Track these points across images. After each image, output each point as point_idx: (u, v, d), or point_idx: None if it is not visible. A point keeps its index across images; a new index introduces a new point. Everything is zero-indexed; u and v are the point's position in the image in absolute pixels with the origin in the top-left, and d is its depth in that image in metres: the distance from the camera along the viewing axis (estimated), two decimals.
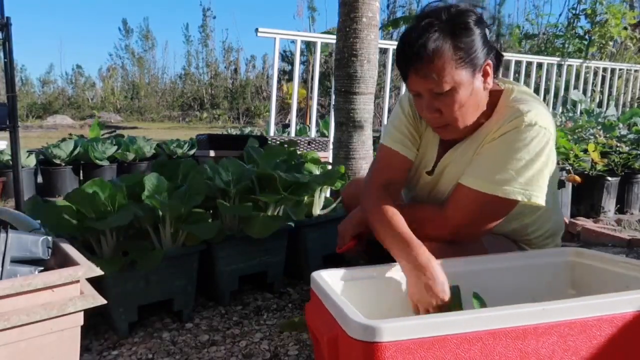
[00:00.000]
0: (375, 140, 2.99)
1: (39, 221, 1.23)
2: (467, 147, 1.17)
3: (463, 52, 1.03)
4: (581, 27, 7.33)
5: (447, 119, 1.10)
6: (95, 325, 1.57)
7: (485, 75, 1.09)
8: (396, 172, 1.26)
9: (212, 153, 2.85)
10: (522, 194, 1.05)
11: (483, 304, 0.97)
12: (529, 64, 5.76)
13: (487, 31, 1.08)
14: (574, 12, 7.38)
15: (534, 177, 1.05)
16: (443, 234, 1.13)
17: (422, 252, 1.01)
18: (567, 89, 6.08)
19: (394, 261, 1.07)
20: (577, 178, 2.81)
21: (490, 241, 1.21)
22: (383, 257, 1.18)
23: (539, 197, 1.06)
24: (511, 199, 1.06)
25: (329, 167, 2.31)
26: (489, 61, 1.08)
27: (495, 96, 1.14)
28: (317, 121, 4.77)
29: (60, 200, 1.48)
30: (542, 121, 1.06)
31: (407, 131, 1.26)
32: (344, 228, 1.37)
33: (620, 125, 4.17)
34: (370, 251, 1.34)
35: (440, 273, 0.98)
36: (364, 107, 2.56)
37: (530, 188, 1.05)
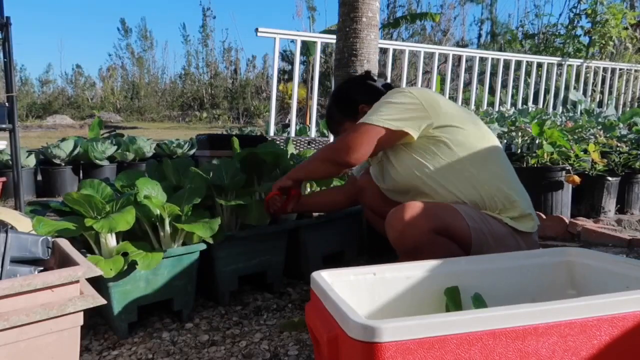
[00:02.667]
0: None
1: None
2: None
3: (340, 114, 1.68)
4: (581, 27, 7.33)
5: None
6: (95, 325, 1.57)
7: (363, 113, 1.50)
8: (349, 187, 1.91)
9: (210, 153, 2.85)
10: (382, 122, 1.38)
11: (483, 306, 0.97)
12: (529, 64, 5.77)
13: (366, 81, 1.69)
14: (574, 11, 7.38)
15: (387, 110, 1.40)
16: (334, 155, 1.49)
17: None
18: (567, 88, 6.08)
19: (395, 259, 1.08)
20: (576, 179, 2.81)
21: (461, 206, 1.37)
22: (383, 254, 1.21)
23: (395, 126, 1.38)
24: (377, 125, 1.38)
25: None
26: (364, 105, 1.59)
27: None
28: (317, 121, 4.77)
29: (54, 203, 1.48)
30: (405, 87, 1.45)
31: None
32: (277, 181, 1.68)
33: (621, 125, 4.16)
34: (374, 246, 1.42)
35: (286, 180, 1.62)
36: None
37: (384, 117, 1.38)
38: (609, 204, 3.12)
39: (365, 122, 1.40)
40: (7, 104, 2.48)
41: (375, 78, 1.73)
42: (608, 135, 3.53)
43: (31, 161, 4.30)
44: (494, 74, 6.14)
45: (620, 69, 6.52)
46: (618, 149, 3.28)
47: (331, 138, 3.07)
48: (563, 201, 2.93)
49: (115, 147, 4.70)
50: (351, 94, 1.66)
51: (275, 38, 3.80)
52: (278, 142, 2.94)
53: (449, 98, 5.63)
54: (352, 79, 1.82)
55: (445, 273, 1.09)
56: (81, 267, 1.03)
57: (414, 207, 1.29)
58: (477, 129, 1.45)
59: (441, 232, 1.28)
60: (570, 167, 2.94)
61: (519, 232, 1.37)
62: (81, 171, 4.60)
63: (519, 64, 5.52)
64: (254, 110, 16.48)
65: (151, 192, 1.55)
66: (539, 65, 5.71)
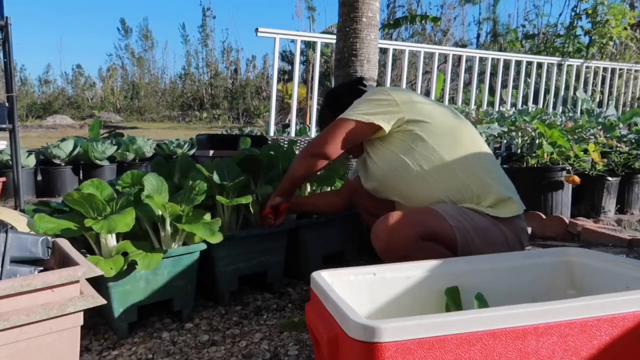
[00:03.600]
0: None
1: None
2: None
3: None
4: (581, 27, 7.32)
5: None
6: (95, 325, 1.57)
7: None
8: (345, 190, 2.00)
9: (211, 153, 2.85)
10: (355, 115, 1.48)
11: (485, 306, 0.98)
12: (529, 63, 5.76)
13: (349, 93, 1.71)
14: (575, 11, 7.38)
15: (361, 106, 1.50)
16: (312, 150, 1.58)
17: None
18: (567, 88, 6.08)
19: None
20: (576, 179, 2.81)
21: (442, 207, 1.40)
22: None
23: (366, 119, 1.47)
24: (350, 118, 1.49)
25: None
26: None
27: None
28: (317, 121, 4.76)
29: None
30: (383, 88, 1.54)
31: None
32: (269, 200, 1.77)
33: (621, 125, 4.16)
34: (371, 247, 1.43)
35: (274, 197, 1.74)
36: None
37: (357, 112, 1.48)
38: (609, 204, 3.12)
39: (341, 116, 1.52)
40: (7, 104, 2.48)
41: (367, 84, 1.86)
42: (608, 135, 3.53)
43: (31, 161, 4.30)
44: (494, 74, 6.14)
45: (620, 69, 6.52)
46: (618, 149, 3.28)
47: None
48: (563, 201, 2.94)
49: (115, 147, 4.70)
50: (342, 97, 1.73)
51: (275, 38, 3.80)
52: (280, 142, 2.95)
53: (449, 98, 5.63)
54: (345, 83, 1.95)
55: (445, 273, 1.09)
56: (81, 267, 1.03)
57: (396, 216, 1.32)
58: (453, 120, 1.52)
59: (426, 237, 1.30)
60: (570, 167, 2.94)
61: (502, 219, 1.38)
62: (81, 171, 4.60)
63: (519, 64, 5.52)
64: (253, 110, 16.47)
65: (156, 190, 1.55)
66: (539, 65, 5.71)
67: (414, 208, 1.45)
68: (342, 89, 1.85)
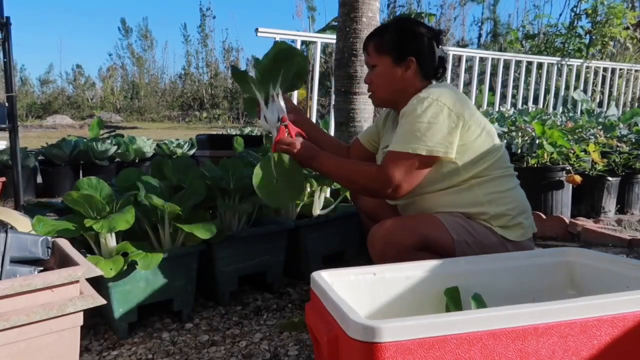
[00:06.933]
0: None
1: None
2: (395, 127, 1.45)
3: (391, 45, 1.43)
4: (581, 27, 7.31)
5: (371, 88, 1.52)
6: (95, 325, 1.57)
7: (406, 67, 1.43)
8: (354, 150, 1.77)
9: (208, 153, 2.86)
10: (426, 149, 1.28)
11: (483, 306, 0.97)
12: (529, 63, 5.76)
13: (433, 41, 1.44)
14: (575, 11, 7.38)
15: (434, 135, 1.28)
16: (376, 186, 1.35)
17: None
18: (567, 88, 6.08)
19: None
20: (577, 179, 2.80)
21: (445, 217, 1.34)
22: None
23: (443, 152, 1.29)
24: (417, 153, 1.29)
25: None
26: (412, 59, 1.42)
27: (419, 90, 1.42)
28: (317, 121, 4.77)
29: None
30: (433, 95, 1.32)
31: (372, 127, 1.73)
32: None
33: (621, 125, 4.16)
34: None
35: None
36: (364, 107, 2.56)
37: (432, 144, 1.28)
38: (609, 204, 3.12)
39: (418, 151, 1.28)
40: (7, 104, 2.48)
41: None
42: (608, 135, 3.53)
43: (31, 161, 4.29)
44: (494, 74, 6.14)
45: (620, 69, 6.52)
46: (618, 149, 3.27)
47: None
48: (563, 201, 2.93)
49: (115, 147, 4.69)
50: (416, 37, 1.43)
51: (275, 38, 3.80)
52: None
53: None
54: (425, 27, 1.47)
55: (445, 273, 1.09)
56: (81, 267, 1.03)
57: (394, 224, 1.29)
58: (485, 131, 1.39)
59: (422, 247, 1.27)
60: (570, 167, 2.94)
61: (510, 240, 1.35)
62: (81, 171, 4.60)
63: (519, 64, 5.52)
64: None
65: (153, 192, 1.55)
66: (539, 65, 5.70)
67: (416, 215, 1.41)
68: (421, 29, 1.45)
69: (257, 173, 1.39)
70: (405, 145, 1.29)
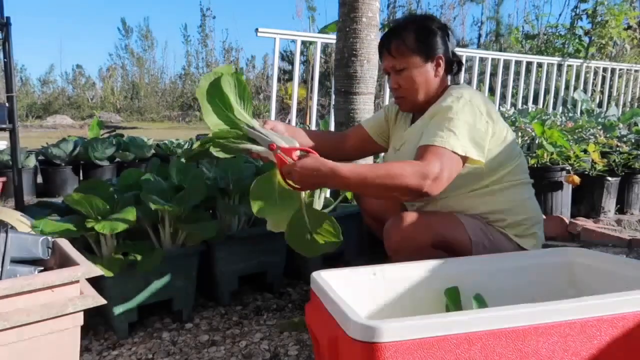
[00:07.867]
0: None
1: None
2: (418, 125, 1.43)
3: (418, 44, 1.36)
4: (581, 27, 7.31)
5: (400, 92, 1.42)
6: (95, 325, 1.57)
7: (437, 65, 1.39)
8: (353, 135, 1.69)
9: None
10: (462, 148, 1.24)
11: (484, 306, 0.97)
12: (529, 63, 5.76)
13: (446, 37, 1.40)
14: (576, 11, 7.38)
15: (471, 135, 1.26)
16: (415, 182, 1.18)
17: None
18: (567, 88, 6.08)
19: None
20: (576, 179, 2.80)
21: (466, 218, 1.34)
22: (383, 254, 1.25)
23: (477, 154, 1.26)
24: (454, 151, 1.22)
25: None
26: (441, 56, 1.38)
27: (444, 90, 1.42)
28: (317, 121, 4.77)
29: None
30: (466, 96, 1.31)
31: (381, 117, 1.64)
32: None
33: (621, 125, 4.15)
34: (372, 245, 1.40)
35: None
36: (364, 107, 2.56)
37: (467, 144, 1.24)
38: (609, 204, 3.12)
39: (455, 149, 1.22)
40: (7, 104, 2.48)
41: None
42: (608, 135, 3.53)
43: (31, 161, 4.29)
44: (494, 74, 6.14)
45: (620, 69, 6.52)
46: (618, 149, 3.27)
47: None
48: (563, 201, 2.93)
49: (116, 147, 4.69)
50: (436, 32, 1.39)
51: (275, 38, 3.80)
52: None
53: None
54: (438, 21, 1.44)
55: (445, 273, 1.09)
56: (81, 267, 1.03)
57: (413, 218, 1.27)
58: (509, 136, 1.38)
59: (439, 245, 1.27)
60: (570, 167, 2.94)
61: (524, 249, 1.36)
62: (81, 171, 4.60)
63: (519, 64, 5.52)
64: (253, 111, 16.42)
65: (154, 192, 1.55)
66: (539, 65, 5.70)
67: (436, 212, 1.38)
68: (437, 26, 1.41)
69: (288, 226, 1.32)
70: (443, 141, 1.22)
